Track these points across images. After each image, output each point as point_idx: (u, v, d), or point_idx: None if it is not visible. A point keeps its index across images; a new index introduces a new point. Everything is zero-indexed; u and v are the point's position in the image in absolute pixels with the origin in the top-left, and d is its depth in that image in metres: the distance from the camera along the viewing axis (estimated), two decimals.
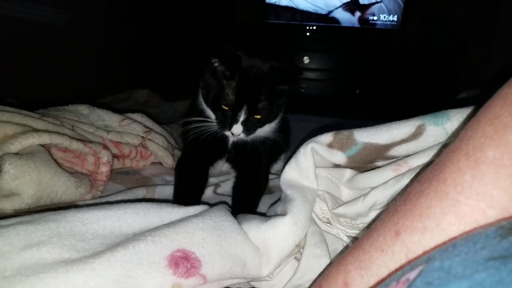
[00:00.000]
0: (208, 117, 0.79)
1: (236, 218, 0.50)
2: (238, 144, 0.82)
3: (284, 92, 0.79)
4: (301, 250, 0.50)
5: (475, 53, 2.44)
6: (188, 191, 0.76)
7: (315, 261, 0.46)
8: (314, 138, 0.54)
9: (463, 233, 0.24)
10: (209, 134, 0.77)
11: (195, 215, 0.45)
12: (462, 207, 0.24)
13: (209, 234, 0.42)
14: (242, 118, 0.73)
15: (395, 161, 0.50)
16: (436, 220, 0.25)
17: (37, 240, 0.36)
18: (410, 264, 0.24)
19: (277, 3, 2.53)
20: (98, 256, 0.35)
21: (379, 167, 0.51)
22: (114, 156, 0.81)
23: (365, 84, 2.47)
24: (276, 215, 0.51)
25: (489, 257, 0.19)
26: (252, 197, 0.78)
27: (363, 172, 0.53)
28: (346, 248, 0.50)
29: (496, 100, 0.26)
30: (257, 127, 0.78)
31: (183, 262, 0.38)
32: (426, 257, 0.23)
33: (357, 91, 2.47)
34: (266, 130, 0.82)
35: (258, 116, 0.75)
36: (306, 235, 0.50)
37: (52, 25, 1.76)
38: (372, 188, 0.49)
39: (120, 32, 2.34)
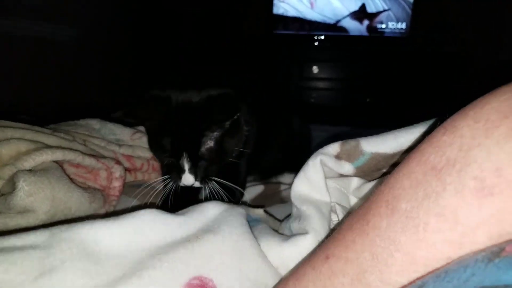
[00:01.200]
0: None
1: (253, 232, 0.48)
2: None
3: (238, 122, 0.68)
4: None
5: (483, 60, 2.41)
6: None
7: None
8: (321, 150, 0.53)
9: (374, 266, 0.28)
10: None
11: (213, 231, 0.43)
12: (376, 248, 0.27)
13: (229, 258, 0.40)
14: (187, 166, 0.64)
15: None
16: (356, 254, 0.29)
17: (50, 266, 0.34)
18: None
19: (284, 14, 2.55)
20: None
21: (386, 174, 0.51)
22: (126, 169, 0.81)
23: (376, 92, 2.46)
24: (293, 234, 0.50)
25: (480, 286, 0.20)
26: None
27: (371, 180, 0.53)
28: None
29: (414, 154, 0.29)
30: (214, 169, 0.67)
31: None
32: (420, 283, 0.24)
33: (368, 100, 2.45)
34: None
35: (207, 160, 0.65)
36: None
37: (61, 42, 1.78)
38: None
39: (129, 47, 2.36)
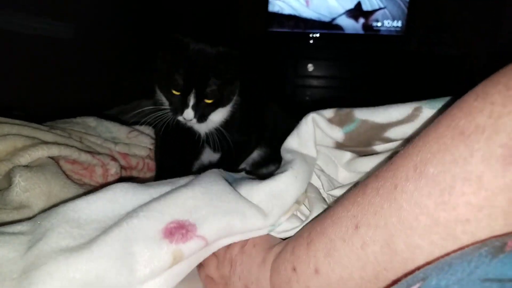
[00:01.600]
0: (162, 105, 0.82)
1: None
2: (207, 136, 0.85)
3: (235, 77, 0.80)
4: (299, 207, 0.50)
5: (479, 60, 2.43)
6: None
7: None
8: (316, 111, 0.55)
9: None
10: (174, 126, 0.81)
11: (185, 185, 0.45)
12: (403, 212, 0.28)
13: (200, 201, 0.42)
14: (192, 102, 0.75)
15: (393, 150, 0.51)
16: (385, 220, 0.29)
17: (35, 240, 0.36)
18: (407, 280, 0.26)
19: (280, 12, 2.55)
20: (95, 240, 0.35)
21: (378, 153, 0.53)
22: (122, 167, 0.82)
23: (371, 91, 2.47)
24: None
25: (484, 278, 0.20)
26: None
27: (362, 156, 0.54)
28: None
29: (444, 119, 0.29)
30: (210, 111, 0.79)
31: (178, 230, 0.38)
32: (422, 275, 0.24)
33: (362, 98, 2.46)
34: (219, 116, 0.84)
35: (209, 101, 0.76)
36: (308, 194, 0.51)
37: (58, 38, 1.78)
38: (367, 173, 0.51)
39: (126, 44, 2.36)
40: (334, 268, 0.33)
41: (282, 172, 0.49)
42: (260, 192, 0.47)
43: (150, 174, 0.93)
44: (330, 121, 0.54)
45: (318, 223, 0.38)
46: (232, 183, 0.52)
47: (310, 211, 0.48)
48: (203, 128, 0.84)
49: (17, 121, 0.69)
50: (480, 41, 2.46)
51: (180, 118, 0.77)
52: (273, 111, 1.03)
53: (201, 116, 0.77)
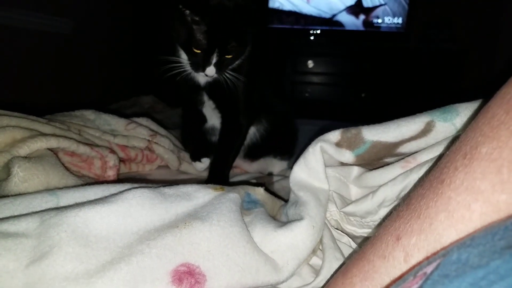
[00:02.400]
0: (180, 57, 0.84)
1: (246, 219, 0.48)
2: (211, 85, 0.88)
3: (251, 28, 0.83)
4: (313, 256, 0.48)
5: (479, 56, 2.42)
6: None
7: (337, 264, 0.45)
8: (322, 137, 0.53)
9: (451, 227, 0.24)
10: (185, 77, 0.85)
11: (202, 218, 0.43)
12: (452, 204, 0.24)
13: (216, 245, 0.40)
14: (214, 60, 0.77)
15: (403, 158, 0.49)
16: (430, 220, 0.25)
17: (40, 253, 0.34)
18: (428, 260, 0.23)
19: (280, 8, 2.55)
20: (101, 275, 0.34)
21: (388, 164, 0.50)
22: (121, 160, 0.82)
23: (371, 88, 2.46)
24: (289, 220, 0.50)
25: (506, 246, 0.18)
26: (226, 152, 0.90)
27: (372, 169, 0.52)
28: (351, 255, 0.48)
29: (494, 100, 0.26)
30: (228, 65, 0.82)
31: (187, 277, 0.37)
32: (444, 252, 0.22)
33: (363, 95, 2.46)
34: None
35: (229, 56, 0.79)
36: (322, 239, 0.49)
37: (57, 33, 1.78)
38: (381, 185, 0.48)
39: (124, 39, 2.36)
40: None
41: (298, 220, 0.47)
42: (275, 241, 0.45)
43: (149, 166, 0.93)
44: (338, 145, 0.52)
45: (358, 252, 0.33)
46: (249, 212, 0.50)
47: (322, 260, 0.46)
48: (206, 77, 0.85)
49: (16, 114, 0.69)
50: (480, 37, 2.46)
51: (200, 73, 0.80)
52: (272, 90, 1.06)
53: (222, 71, 0.80)
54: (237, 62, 0.85)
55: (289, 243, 0.44)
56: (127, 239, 0.39)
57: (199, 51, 0.77)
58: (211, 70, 0.78)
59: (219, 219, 0.43)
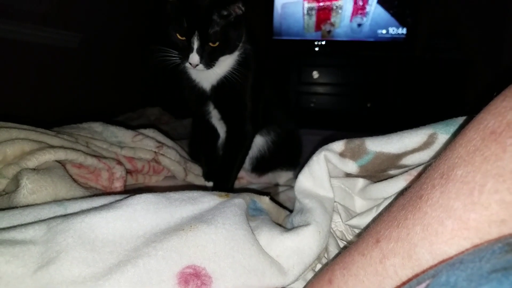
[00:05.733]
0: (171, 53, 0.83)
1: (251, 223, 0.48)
2: (216, 88, 0.86)
3: (240, 19, 0.79)
4: (318, 263, 0.48)
5: (484, 66, 2.42)
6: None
7: None
8: (326, 146, 0.53)
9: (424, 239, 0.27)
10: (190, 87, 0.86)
11: (208, 222, 0.43)
12: (427, 218, 0.27)
13: (221, 247, 0.40)
14: (196, 45, 0.75)
15: (407, 171, 0.49)
16: (407, 230, 0.28)
17: (48, 259, 0.35)
18: (417, 278, 0.25)
19: None
20: (108, 277, 0.34)
21: (392, 176, 0.51)
22: (128, 171, 0.82)
23: (377, 98, 2.47)
24: (293, 226, 0.50)
25: (491, 270, 0.19)
26: (230, 161, 0.89)
27: (376, 182, 0.52)
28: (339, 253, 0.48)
29: (472, 124, 0.29)
30: (216, 56, 0.79)
31: (193, 279, 0.37)
32: (433, 272, 0.24)
33: (368, 105, 2.46)
34: (229, 63, 0.84)
35: (214, 44, 0.76)
36: (328, 247, 0.49)
37: (65, 47, 1.81)
38: (385, 199, 0.48)
39: (130, 51, 2.39)
40: (348, 281, 0.32)
41: (304, 225, 0.47)
42: (281, 245, 0.45)
43: (155, 177, 0.93)
44: (342, 155, 0.53)
45: (343, 251, 0.37)
46: (254, 219, 0.50)
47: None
48: (209, 80, 0.85)
49: (25, 126, 0.70)
50: (485, 47, 2.45)
51: (186, 64, 0.78)
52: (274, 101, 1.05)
53: (208, 61, 0.77)
54: (237, 60, 0.84)
55: (295, 247, 0.45)
56: (133, 242, 0.39)
57: (183, 38, 0.76)
58: (194, 58, 0.75)
59: (224, 222, 0.43)
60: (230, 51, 0.82)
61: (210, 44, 0.76)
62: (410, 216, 0.29)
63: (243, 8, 0.78)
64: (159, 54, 0.81)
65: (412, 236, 0.28)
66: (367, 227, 0.39)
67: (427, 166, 0.35)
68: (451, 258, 0.25)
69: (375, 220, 0.35)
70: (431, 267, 0.26)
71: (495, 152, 0.24)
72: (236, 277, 0.39)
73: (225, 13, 0.75)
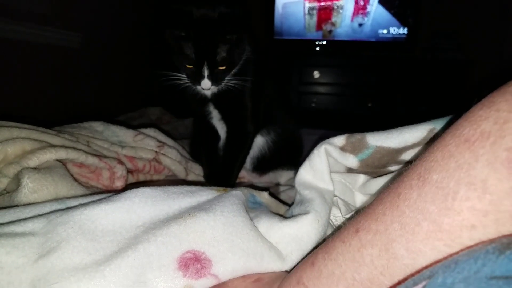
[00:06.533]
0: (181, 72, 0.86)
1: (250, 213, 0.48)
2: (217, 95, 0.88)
3: (242, 39, 0.81)
4: None
5: (485, 66, 2.41)
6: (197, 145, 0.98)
7: None
8: (327, 140, 0.54)
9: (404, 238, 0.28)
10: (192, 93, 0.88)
11: (206, 210, 0.44)
12: (405, 218, 0.29)
13: (220, 232, 0.41)
14: (206, 73, 0.78)
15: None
16: (385, 225, 0.30)
17: (48, 249, 0.36)
18: (413, 279, 0.26)
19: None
20: (109, 263, 0.35)
21: (392, 172, 0.51)
22: (129, 171, 0.82)
23: (378, 97, 2.46)
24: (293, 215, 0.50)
25: (491, 276, 0.20)
26: (231, 162, 0.90)
27: (376, 177, 0.53)
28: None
29: (450, 129, 0.30)
30: (224, 76, 0.82)
31: (193, 263, 0.38)
32: (429, 273, 0.24)
33: (369, 105, 2.46)
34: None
35: (222, 68, 0.79)
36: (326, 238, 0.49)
37: (66, 47, 1.81)
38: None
39: (131, 52, 2.39)
40: (327, 264, 0.34)
41: (304, 213, 0.47)
42: (280, 232, 0.45)
43: (156, 176, 0.93)
44: (343, 149, 0.53)
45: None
46: (253, 210, 0.50)
47: None
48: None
49: (26, 125, 0.70)
50: (486, 47, 2.45)
51: (198, 88, 0.81)
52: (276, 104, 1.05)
53: (218, 82, 0.81)
54: (237, 68, 0.84)
55: (293, 234, 0.45)
56: (133, 231, 0.40)
57: (191, 66, 0.78)
58: (206, 83, 0.79)
59: (223, 210, 0.44)
60: (236, 65, 0.84)
61: (219, 68, 0.79)
62: (389, 212, 0.30)
63: (244, 23, 0.80)
64: (167, 79, 0.83)
65: (390, 232, 0.29)
66: (351, 218, 0.42)
67: (409, 163, 0.37)
68: (426, 256, 0.27)
69: (359, 212, 0.36)
70: (425, 267, 0.27)
71: (468, 160, 0.26)
72: (235, 259, 0.40)
73: (228, 37, 0.77)
